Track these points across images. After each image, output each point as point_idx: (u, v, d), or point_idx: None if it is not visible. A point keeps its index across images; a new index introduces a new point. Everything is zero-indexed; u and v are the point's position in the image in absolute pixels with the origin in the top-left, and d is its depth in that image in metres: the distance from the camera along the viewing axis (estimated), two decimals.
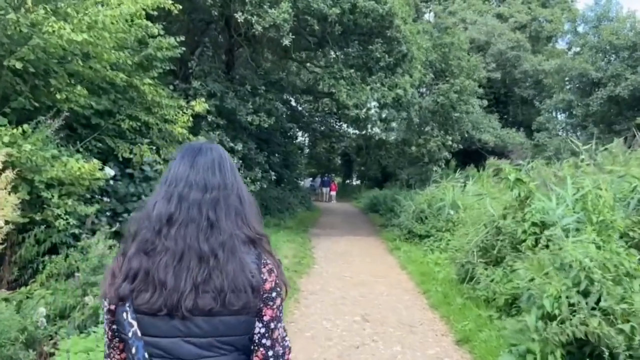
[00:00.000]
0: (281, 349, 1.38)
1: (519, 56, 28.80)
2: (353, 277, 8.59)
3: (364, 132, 27.70)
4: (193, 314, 1.26)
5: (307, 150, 36.50)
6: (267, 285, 1.34)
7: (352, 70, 11.72)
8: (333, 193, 29.83)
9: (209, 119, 10.78)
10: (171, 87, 9.34)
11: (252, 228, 1.40)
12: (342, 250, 11.59)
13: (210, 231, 1.32)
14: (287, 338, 1.43)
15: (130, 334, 1.29)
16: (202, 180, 1.36)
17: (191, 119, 8.48)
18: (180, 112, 8.56)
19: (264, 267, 1.36)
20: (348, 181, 44.96)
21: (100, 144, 8.12)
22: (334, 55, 12.23)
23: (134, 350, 1.28)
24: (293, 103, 21.19)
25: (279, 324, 1.38)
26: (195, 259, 1.28)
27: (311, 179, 37.49)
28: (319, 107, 24.70)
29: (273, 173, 12.75)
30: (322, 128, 22.69)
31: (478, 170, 22.50)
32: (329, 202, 29.46)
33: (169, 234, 1.31)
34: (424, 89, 18.72)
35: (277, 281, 1.37)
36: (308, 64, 19.70)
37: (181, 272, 1.27)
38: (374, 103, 13.68)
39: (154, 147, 8.56)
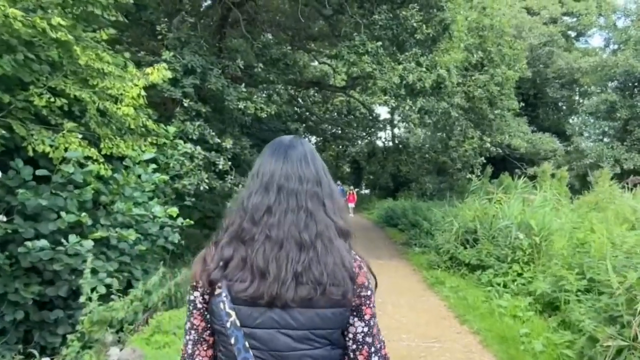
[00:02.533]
0: (379, 343, 1.38)
1: (552, 52, 25.80)
2: (390, 338, 5.58)
3: (376, 137, 24.88)
4: (293, 303, 1.24)
5: None
6: (359, 280, 1.32)
7: (378, 44, 8.80)
8: (351, 205, 26.28)
9: (185, 104, 7.86)
10: (127, 54, 6.45)
11: (344, 221, 1.37)
12: None
13: (309, 221, 1.29)
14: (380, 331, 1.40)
15: (228, 324, 1.25)
16: (297, 172, 1.34)
17: (143, 93, 5.56)
18: (131, 83, 5.66)
19: (355, 261, 1.34)
20: (357, 190, 42.13)
21: (5, 132, 5.30)
22: (354, 23, 9.22)
23: (233, 341, 1.25)
24: (300, 100, 18.28)
25: (376, 319, 1.37)
26: (295, 247, 1.26)
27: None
28: (330, 107, 21.82)
29: None
30: (333, 130, 19.74)
31: (513, 179, 19.64)
32: None
33: (267, 223, 1.28)
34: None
35: (368, 276, 1.35)
36: (318, 56, 16.91)
37: (282, 260, 1.25)
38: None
39: (90, 138, 5.69)
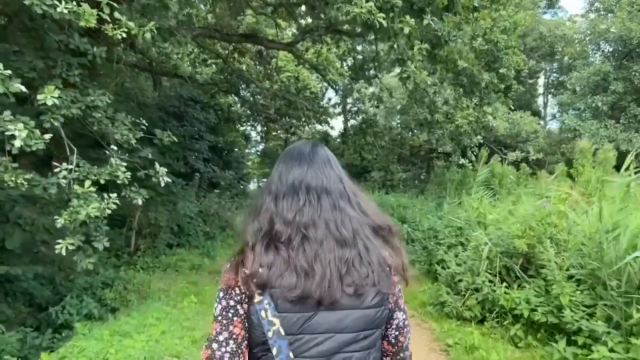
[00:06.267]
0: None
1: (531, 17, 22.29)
2: None
3: (328, 125, 20.62)
4: (343, 300, 1.20)
5: (260, 146, 29.14)
6: (394, 278, 1.33)
7: None
8: None
9: None
10: None
11: (371, 218, 1.34)
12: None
13: (344, 218, 1.27)
14: None
15: (270, 334, 1.18)
16: (323, 174, 1.33)
17: None
18: None
19: (390, 259, 1.33)
20: None
21: None
22: None
23: (275, 351, 1.17)
24: (231, 67, 13.67)
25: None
26: (336, 246, 1.23)
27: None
28: (274, 83, 17.32)
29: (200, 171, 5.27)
30: (277, 104, 15.24)
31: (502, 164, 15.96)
32: None
33: (301, 222, 1.24)
34: None
35: (400, 274, 1.35)
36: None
37: (325, 259, 1.21)
38: None
39: None
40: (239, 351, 1.22)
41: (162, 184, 5.33)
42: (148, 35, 4.54)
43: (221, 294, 1.25)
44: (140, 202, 5.12)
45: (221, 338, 1.22)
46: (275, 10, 12.38)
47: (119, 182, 4.91)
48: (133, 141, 5.08)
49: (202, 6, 12.64)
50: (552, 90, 28.34)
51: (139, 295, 7.16)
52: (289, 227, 1.23)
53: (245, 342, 1.23)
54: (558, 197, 5.30)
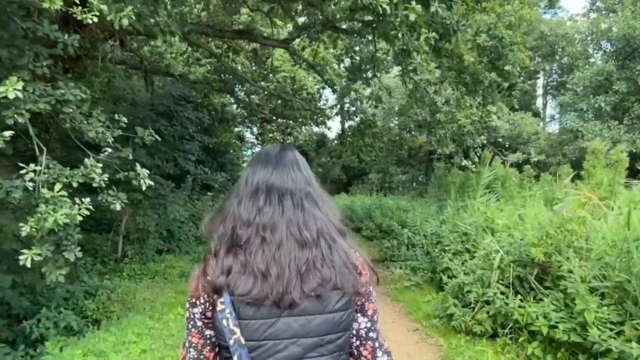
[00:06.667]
0: (381, 338, 1.36)
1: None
2: None
3: (325, 126, 20.12)
4: (301, 301, 1.17)
5: (256, 148, 28.66)
6: (363, 278, 1.28)
7: None
8: None
9: None
10: None
11: (338, 220, 1.33)
12: None
13: (308, 218, 1.24)
14: None
15: (232, 342, 1.17)
16: (289, 175, 1.30)
17: None
18: None
19: (356, 259, 1.30)
20: None
21: None
22: None
23: (236, 359, 1.17)
24: (226, 65, 13.16)
25: (378, 315, 1.36)
26: (297, 246, 1.21)
27: None
28: (270, 84, 16.83)
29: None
30: (273, 103, 14.79)
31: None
32: None
33: (260, 223, 1.22)
34: None
35: (369, 273, 1.32)
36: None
37: (283, 260, 1.19)
38: None
39: None
40: (201, 357, 1.25)
41: (144, 187, 4.87)
42: (125, 22, 4.07)
43: (187, 305, 1.26)
44: (118, 207, 4.66)
45: (186, 344, 1.28)
46: (271, 9, 11.93)
47: (94, 185, 4.45)
48: (110, 139, 4.62)
49: (197, 5, 12.22)
50: (552, 91, 27.96)
51: (123, 306, 6.70)
52: (249, 229, 1.22)
53: (208, 347, 1.26)
54: (577, 201, 4.85)
